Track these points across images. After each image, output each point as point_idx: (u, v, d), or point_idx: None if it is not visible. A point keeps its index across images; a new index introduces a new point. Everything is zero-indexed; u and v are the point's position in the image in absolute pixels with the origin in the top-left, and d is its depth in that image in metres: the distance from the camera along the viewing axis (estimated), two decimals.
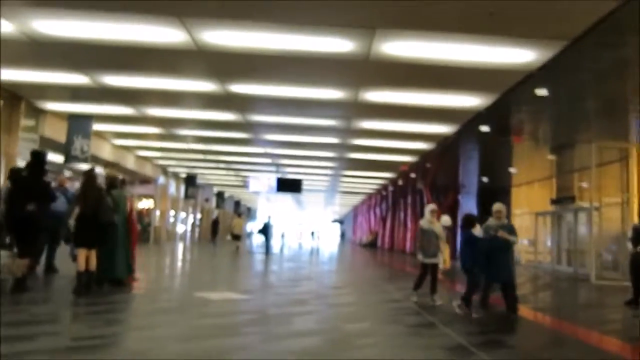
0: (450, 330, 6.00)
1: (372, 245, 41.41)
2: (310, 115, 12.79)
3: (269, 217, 23.76)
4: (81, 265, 7.00)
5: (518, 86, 9.49)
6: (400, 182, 26.56)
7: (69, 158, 13.93)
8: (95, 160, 18.63)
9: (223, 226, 36.01)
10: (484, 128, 12.87)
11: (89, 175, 7.32)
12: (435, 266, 8.14)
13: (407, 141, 15.34)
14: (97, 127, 15.63)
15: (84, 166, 15.43)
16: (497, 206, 7.67)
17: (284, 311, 6.82)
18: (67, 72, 10.27)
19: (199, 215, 37.53)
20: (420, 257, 8.17)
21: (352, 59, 8.56)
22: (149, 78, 10.50)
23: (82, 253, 7.00)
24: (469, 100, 10.60)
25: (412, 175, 23.03)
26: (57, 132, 14.10)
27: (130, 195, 9.04)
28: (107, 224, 7.25)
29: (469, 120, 12.20)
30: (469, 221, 7.99)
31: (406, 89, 10.23)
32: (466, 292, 7.42)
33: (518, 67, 8.51)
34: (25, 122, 13.15)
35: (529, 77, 8.93)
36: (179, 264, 15.80)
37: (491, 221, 7.60)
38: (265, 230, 22.96)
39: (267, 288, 9.84)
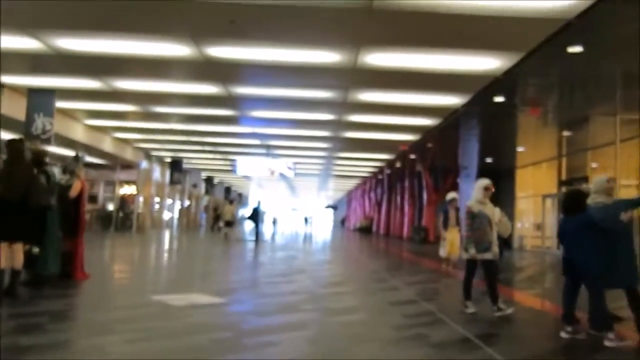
0: None
1: (367, 230, 40.16)
2: (302, 85, 11.23)
3: (259, 202, 22.27)
4: (18, 263, 5.51)
5: (545, 44, 8.03)
6: (398, 165, 25.12)
7: (29, 138, 12.28)
8: (65, 142, 17.08)
9: (215, 213, 34.49)
10: (499, 98, 11.45)
11: (15, 148, 5.72)
12: (490, 263, 5.92)
13: (410, 116, 13.82)
14: (64, 104, 14.09)
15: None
16: (601, 179, 5.13)
17: (267, 324, 5.06)
18: (23, 36, 8.65)
19: (187, 202, 35.96)
20: (470, 251, 5.91)
21: (353, 9, 7.04)
22: (116, 41, 8.86)
23: (1, 247, 5.47)
24: (486, 62, 9.10)
25: (412, 156, 21.57)
26: (16, 108, 12.47)
27: (81, 174, 7.29)
28: (40, 209, 5.72)
29: (482, 89, 10.72)
30: (579, 200, 5.06)
31: (414, 50, 8.71)
32: (595, 309, 4.74)
33: (550, 16, 7.02)
34: None
35: (562, 31, 7.46)
36: (153, 255, 14.15)
37: (598, 197, 4.96)
38: (255, 216, 21.46)
39: (250, 287, 7.91)
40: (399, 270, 11.53)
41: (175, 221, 33.12)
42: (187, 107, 14.20)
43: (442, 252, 10.65)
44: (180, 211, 34.30)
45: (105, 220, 24.88)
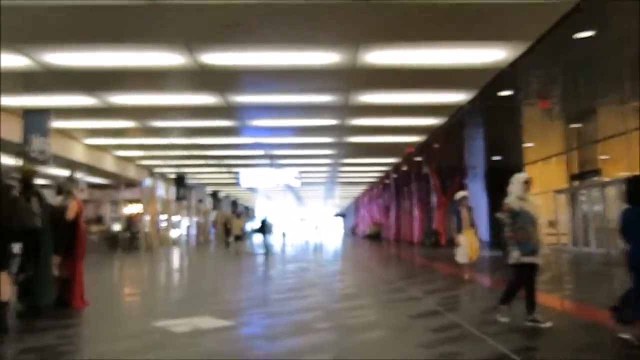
0: None
1: (376, 237, 39.67)
2: (302, 89, 10.87)
3: (266, 215, 21.89)
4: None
5: (552, 31, 7.65)
6: (404, 168, 24.70)
7: (27, 160, 12.03)
8: (65, 163, 16.85)
9: (224, 228, 34.09)
10: (505, 92, 11.07)
11: None
12: (533, 268, 5.41)
13: (414, 116, 13.43)
14: (62, 124, 13.83)
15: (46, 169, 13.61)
16: None
17: (279, 349, 4.64)
18: (10, 53, 8.36)
19: (195, 218, 35.66)
20: (515, 254, 5.34)
21: (350, 4, 6.70)
22: (106, 52, 8.55)
23: None
24: (491, 54, 8.71)
25: (418, 158, 21.16)
26: (12, 130, 12.22)
27: (79, 192, 6.93)
28: (26, 232, 5.36)
29: (488, 83, 10.33)
30: None
31: (414, 44, 8.31)
32: None
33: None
34: None
35: (570, 15, 7.08)
36: (159, 275, 13.74)
37: None
38: (263, 229, 21.08)
39: (259, 305, 7.36)
40: (415, 278, 10.98)
41: (184, 238, 32.78)
42: (186, 119, 13.89)
43: (460, 257, 9.81)
44: (188, 227, 33.96)
45: (112, 241, 24.58)
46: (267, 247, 20.56)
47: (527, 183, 5.59)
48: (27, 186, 5.80)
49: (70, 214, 6.64)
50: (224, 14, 6.97)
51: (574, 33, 7.71)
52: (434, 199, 26.29)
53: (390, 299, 7.84)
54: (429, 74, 9.65)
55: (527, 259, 5.37)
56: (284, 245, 31.18)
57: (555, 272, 11.85)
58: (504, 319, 5.44)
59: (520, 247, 5.36)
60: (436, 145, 17.74)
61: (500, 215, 10.24)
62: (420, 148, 18.41)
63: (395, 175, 29.30)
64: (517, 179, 5.64)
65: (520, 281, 5.49)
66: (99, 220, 26.37)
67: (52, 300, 6.18)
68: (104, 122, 14.06)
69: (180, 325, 5.62)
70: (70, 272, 6.57)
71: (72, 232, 6.70)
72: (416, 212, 29.28)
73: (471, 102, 11.76)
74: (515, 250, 5.39)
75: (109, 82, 10.32)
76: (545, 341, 5.00)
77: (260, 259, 17.83)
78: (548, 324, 5.25)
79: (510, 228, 5.47)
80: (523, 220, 5.41)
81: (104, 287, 10.13)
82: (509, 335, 5.00)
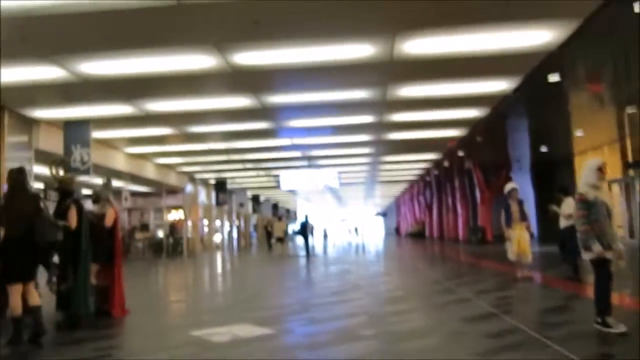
0: None
1: (419, 235, 38.93)
2: (338, 86, 10.53)
3: (307, 216, 21.68)
4: (16, 307, 4.94)
5: (607, 6, 7.06)
6: (446, 163, 24.00)
7: (69, 171, 12.18)
8: (108, 172, 17.09)
9: (266, 231, 34.09)
10: (553, 77, 10.41)
11: (15, 179, 5.24)
12: (608, 263, 4.93)
13: (456, 108, 12.86)
14: (102, 134, 14.02)
15: (86, 179, 13.79)
16: None
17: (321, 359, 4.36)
18: (44, 64, 8.42)
19: (236, 222, 35.89)
20: (595, 248, 4.81)
21: None
22: (138, 59, 8.49)
23: (15, 291, 4.94)
24: (538, 37, 8.15)
25: (460, 153, 20.46)
26: (54, 142, 12.41)
27: (122, 200, 6.84)
28: (47, 245, 5.20)
29: (535, 69, 9.74)
30: None
31: (455, 30, 7.84)
32: None
33: None
34: (13, 135, 11.50)
35: None
36: (201, 280, 13.69)
37: None
38: (304, 231, 20.88)
39: (301, 310, 7.02)
40: (463, 277, 10.47)
41: (226, 242, 32.99)
42: (222, 123, 13.80)
43: (511, 253, 9.20)
44: (230, 232, 34.18)
45: (156, 247, 24.95)
46: (309, 249, 20.34)
47: (601, 170, 5.05)
48: (65, 195, 5.72)
49: (108, 222, 6.56)
50: (252, 10, 6.74)
51: (631, 6, 7.08)
52: (477, 194, 25.49)
53: (439, 302, 7.40)
54: (470, 62, 9.13)
55: (608, 254, 4.86)
56: (325, 246, 30.93)
57: (614, 267, 11.09)
58: (619, 330, 4.72)
59: (600, 241, 4.83)
60: (479, 139, 17.05)
61: (553, 207, 9.73)
62: (462, 142, 17.76)
63: (436, 172, 28.59)
64: (590, 166, 5.12)
65: (605, 278, 4.95)
66: (144, 227, 26.85)
67: (91, 310, 6.08)
68: (143, 130, 14.16)
69: (219, 334, 5.41)
70: (109, 280, 6.48)
71: (110, 239, 6.62)
72: (460, 209, 28.49)
73: (516, 91, 11.15)
74: (595, 244, 4.84)
75: (143, 89, 10.31)
76: (622, 347, 4.46)
77: (302, 262, 17.61)
78: (622, 328, 4.72)
79: (585, 220, 4.92)
80: (598, 211, 4.89)
81: (146, 295, 10.10)
82: (578, 341, 4.52)
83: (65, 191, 5.83)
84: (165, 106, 11.63)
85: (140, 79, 9.42)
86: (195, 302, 9.15)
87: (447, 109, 12.86)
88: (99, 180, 20.65)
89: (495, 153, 20.95)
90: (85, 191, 19.67)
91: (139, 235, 26.21)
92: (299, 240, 27.47)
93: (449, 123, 14.57)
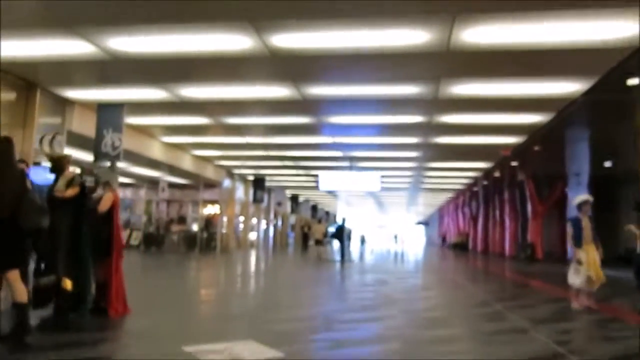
0: None
1: (462, 247, 37.33)
2: (385, 78, 9.56)
3: (344, 219, 20.75)
4: (19, 295, 4.35)
5: None
6: (496, 174, 22.56)
7: (99, 155, 11.73)
8: (144, 161, 16.75)
9: (302, 232, 33.39)
10: (633, 80, 9.14)
11: (3, 151, 4.57)
12: None
13: (515, 112, 11.64)
14: (137, 119, 13.57)
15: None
16: None
17: None
18: (71, 38, 7.88)
19: (273, 221, 35.35)
20: None
21: None
22: (170, 36, 7.81)
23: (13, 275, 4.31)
24: (622, 28, 6.96)
25: (513, 163, 19.06)
26: (87, 125, 11.99)
27: (115, 184, 6.11)
28: (29, 231, 4.50)
29: (612, 69, 8.50)
30: None
31: (523, 16, 6.78)
32: None
33: None
34: (45, 115, 11.12)
35: None
36: (223, 279, 12.92)
37: None
38: (340, 235, 19.96)
39: (324, 328, 6.02)
40: (515, 300, 9.21)
41: (261, 241, 32.47)
42: (261, 116, 13.07)
43: (575, 278, 7.80)
44: (266, 230, 33.65)
45: (190, 241, 24.62)
46: (344, 254, 19.40)
47: None
48: (59, 170, 5.05)
49: (103, 206, 5.80)
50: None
51: None
52: (529, 208, 23.91)
53: (488, 330, 6.27)
54: (539, 56, 7.99)
55: None
56: (362, 252, 29.88)
57: None
58: None
59: None
60: (536, 148, 15.69)
61: (631, 227, 8.47)
62: (516, 151, 16.41)
63: (485, 182, 27.12)
64: None
65: None
66: (181, 220, 26.62)
67: (87, 308, 5.37)
68: (179, 119, 13.61)
69: (215, 352, 4.53)
70: (106, 275, 5.74)
71: (107, 228, 5.87)
72: (508, 222, 26.92)
73: (586, 94, 9.89)
74: None
75: (177, 72, 9.64)
76: None
77: (336, 267, 16.71)
78: None
79: None
80: None
81: (159, 291, 9.44)
82: None
83: (59, 170, 5.15)
84: (200, 92, 10.97)
85: (173, 60, 8.71)
86: (208, 305, 8.37)
87: (505, 112, 11.68)
88: (138, 169, 20.42)
89: (552, 165, 19.47)
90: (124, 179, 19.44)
91: (175, 227, 26.00)
92: (336, 244, 26.58)
93: (506, 129, 13.33)
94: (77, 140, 12.51)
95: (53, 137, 5.66)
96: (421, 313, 7.62)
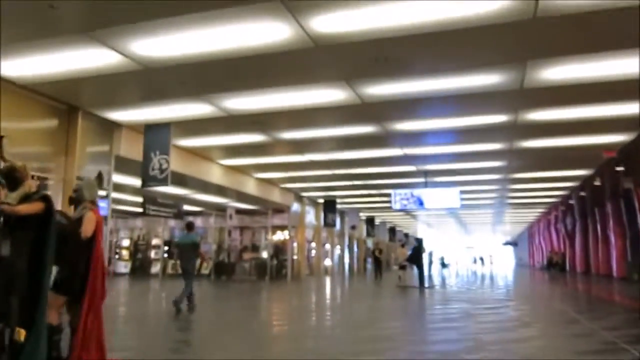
0: None
1: (558, 268, 33.68)
2: (460, 65, 7.90)
3: (420, 240, 18.83)
4: None
5: None
6: (596, 182, 19.73)
7: (147, 179, 10.94)
8: (201, 185, 16.00)
9: (374, 256, 31.50)
10: None
11: None
12: None
13: (620, 100, 9.47)
14: (191, 142, 12.82)
15: (162, 189, 12.50)
16: None
17: None
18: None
19: (347, 245, 33.80)
20: None
21: None
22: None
23: None
24: None
25: (618, 168, 16.38)
26: (135, 150, 11.28)
27: (98, 201, 4.81)
28: None
29: None
30: None
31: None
32: None
33: None
34: (91, 138, 10.51)
35: None
36: (273, 315, 10.95)
37: None
38: (417, 257, 18.04)
39: None
40: None
41: (336, 267, 30.97)
42: (319, 127, 11.72)
43: None
44: (341, 256, 32.15)
45: (261, 268, 23.66)
46: (422, 280, 17.43)
47: None
48: (13, 182, 3.93)
49: (88, 230, 4.47)
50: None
51: None
52: None
53: None
54: None
55: None
56: (443, 277, 27.36)
57: None
58: None
59: None
60: None
61: None
62: (623, 152, 13.92)
63: (582, 193, 24.09)
64: None
65: None
66: (254, 248, 25.71)
67: None
68: (232, 137, 12.64)
69: None
70: (78, 318, 4.39)
71: (87, 257, 4.50)
72: (613, 239, 23.58)
73: None
74: None
75: (217, 77, 8.57)
76: None
77: (414, 295, 14.85)
78: None
79: None
80: None
81: (187, 329, 8.19)
82: None
83: (13, 180, 4.01)
84: (246, 103, 9.86)
85: (212, 62, 7.65)
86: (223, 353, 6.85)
87: (608, 101, 9.56)
88: (204, 197, 19.72)
89: None
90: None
91: (247, 255, 25.19)
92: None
93: (609, 123, 11.04)
94: (124, 166, 11.84)
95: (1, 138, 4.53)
96: None
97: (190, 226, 10.79)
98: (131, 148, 11.39)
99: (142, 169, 10.93)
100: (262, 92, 9.01)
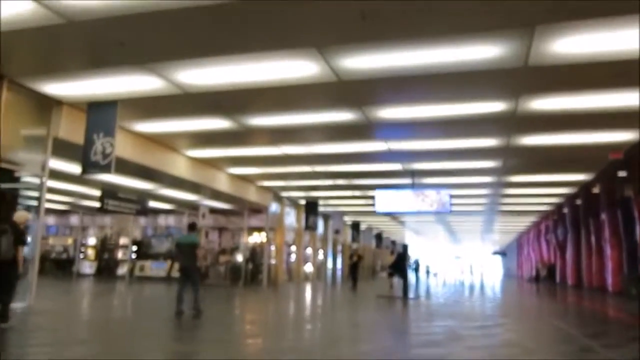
0: None
1: (548, 280, 32.52)
2: (454, 28, 6.50)
3: (405, 247, 17.45)
4: None
5: None
6: (594, 190, 18.49)
7: (87, 165, 9.41)
8: (171, 181, 14.49)
9: (351, 262, 29.91)
10: None
11: None
12: None
13: (632, 86, 8.13)
14: (149, 127, 11.36)
15: (105, 177, 11.00)
16: None
17: None
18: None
19: (330, 250, 32.33)
20: None
21: None
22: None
23: None
24: None
25: (621, 173, 15.13)
26: (79, 132, 9.76)
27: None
28: None
29: None
30: None
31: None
32: None
33: None
34: (22, 116, 9.00)
35: None
36: (229, 327, 9.76)
37: None
38: (401, 265, 16.62)
39: None
40: None
41: (316, 272, 29.46)
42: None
43: None
44: (322, 262, 30.65)
45: (235, 273, 22.11)
46: (406, 290, 16.01)
47: None
48: None
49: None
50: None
51: None
52: (638, 232, 19.44)
53: None
54: None
55: None
56: (428, 287, 25.77)
57: None
58: None
59: None
60: None
61: None
62: (631, 153, 12.63)
63: (577, 201, 22.89)
64: None
65: None
66: (234, 250, 24.07)
67: None
68: (198, 122, 11.17)
69: None
70: None
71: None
72: (608, 250, 22.36)
73: None
74: None
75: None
76: None
77: (396, 307, 13.42)
78: None
79: None
80: None
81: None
82: None
83: None
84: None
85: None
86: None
87: (617, 87, 8.22)
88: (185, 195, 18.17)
89: None
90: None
91: (222, 258, 23.62)
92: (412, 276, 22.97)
93: (619, 117, 9.73)
94: (66, 151, 10.32)
95: None
96: None
97: (192, 227, 10.65)
98: (74, 130, 9.88)
99: (83, 153, 9.40)
100: (218, 61, 7.54)
